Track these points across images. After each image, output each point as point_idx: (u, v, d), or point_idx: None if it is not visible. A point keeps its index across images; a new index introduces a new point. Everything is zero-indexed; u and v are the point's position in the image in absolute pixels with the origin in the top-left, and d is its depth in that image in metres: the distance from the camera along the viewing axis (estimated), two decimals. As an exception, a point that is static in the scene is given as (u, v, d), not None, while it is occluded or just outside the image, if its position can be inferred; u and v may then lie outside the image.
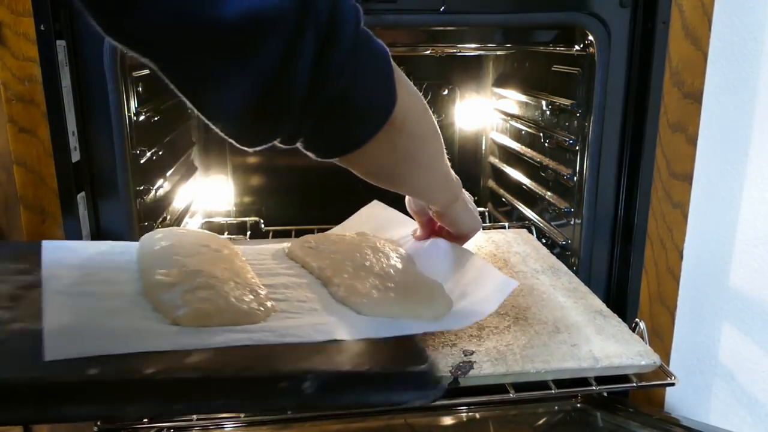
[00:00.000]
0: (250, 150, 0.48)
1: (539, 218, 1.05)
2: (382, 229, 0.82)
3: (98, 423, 0.58)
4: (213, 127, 0.46)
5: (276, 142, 0.48)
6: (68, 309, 0.51)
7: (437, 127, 0.58)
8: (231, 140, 0.47)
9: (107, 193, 0.76)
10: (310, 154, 0.51)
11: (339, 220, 1.07)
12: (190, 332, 0.50)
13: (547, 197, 1.00)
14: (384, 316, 0.58)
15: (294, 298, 0.60)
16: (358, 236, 0.78)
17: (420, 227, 0.77)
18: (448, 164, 0.64)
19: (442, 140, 0.60)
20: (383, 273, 0.65)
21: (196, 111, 0.46)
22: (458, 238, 0.74)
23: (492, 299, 0.61)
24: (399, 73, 0.50)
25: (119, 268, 0.61)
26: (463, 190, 0.70)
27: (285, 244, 0.77)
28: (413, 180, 0.60)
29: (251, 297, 0.56)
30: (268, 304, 0.56)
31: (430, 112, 0.57)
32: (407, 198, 0.73)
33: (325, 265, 0.67)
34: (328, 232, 0.84)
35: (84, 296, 0.54)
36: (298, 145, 0.50)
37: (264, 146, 0.48)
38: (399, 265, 0.69)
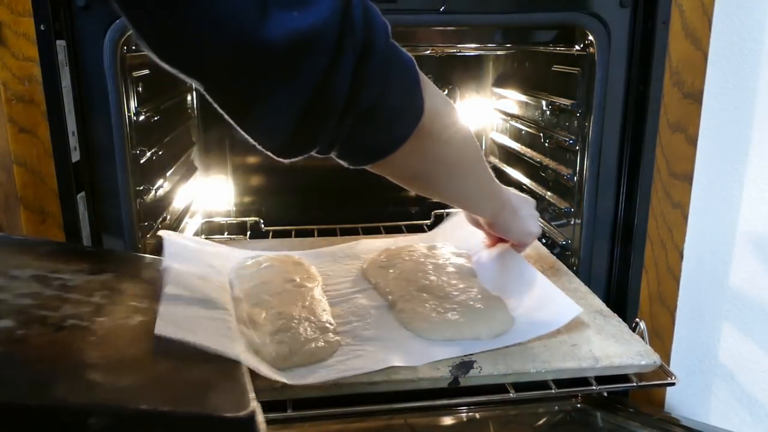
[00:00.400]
0: (286, 161, 0.50)
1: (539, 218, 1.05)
2: (457, 238, 0.86)
3: None
4: (252, 141, 0.48)
5: (312, 152, 0.50)
6: (181, 301, 0.57)
7: (471, 134, 0.60)
8: (268, 152, 0.49)
9: (107, 193, 0.76)
10: (343, 162, 0.54)
11: (339, 220, 1.07)
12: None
13: (547, 197, 1.00)
14: (443, 338, 0.63)
15: (360, 327, 0.66)
16: (428, 250, 0.82)
17: (486, 236, 0.79)
18: (491, 174, 0.65)
19: (479, 148, 0.61)
20: (444, 294, 0.69)
21: (239, 129, 0.47)
22: (517, 245, 0.76)
23: (554, 321, 0.64)
24: (426, 82, 0.52)
25: (222, 280, 0.72)
26: (525, 196, 0.73)
27: (361, 263, 0.82)
28: (449, 185, 0.62)
29: (321, 335, 0.62)
30: (336, 338, 0.62)
31: (460, 118, 0.58)
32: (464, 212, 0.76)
33: (390, 287, 0.72)
34: (411, 242, 0.89)
35: (195, 297, 0.60)
36: (332, 154, 0.52)
37: (302, 157, 0.50)
38: (461, 284, 0.72)
